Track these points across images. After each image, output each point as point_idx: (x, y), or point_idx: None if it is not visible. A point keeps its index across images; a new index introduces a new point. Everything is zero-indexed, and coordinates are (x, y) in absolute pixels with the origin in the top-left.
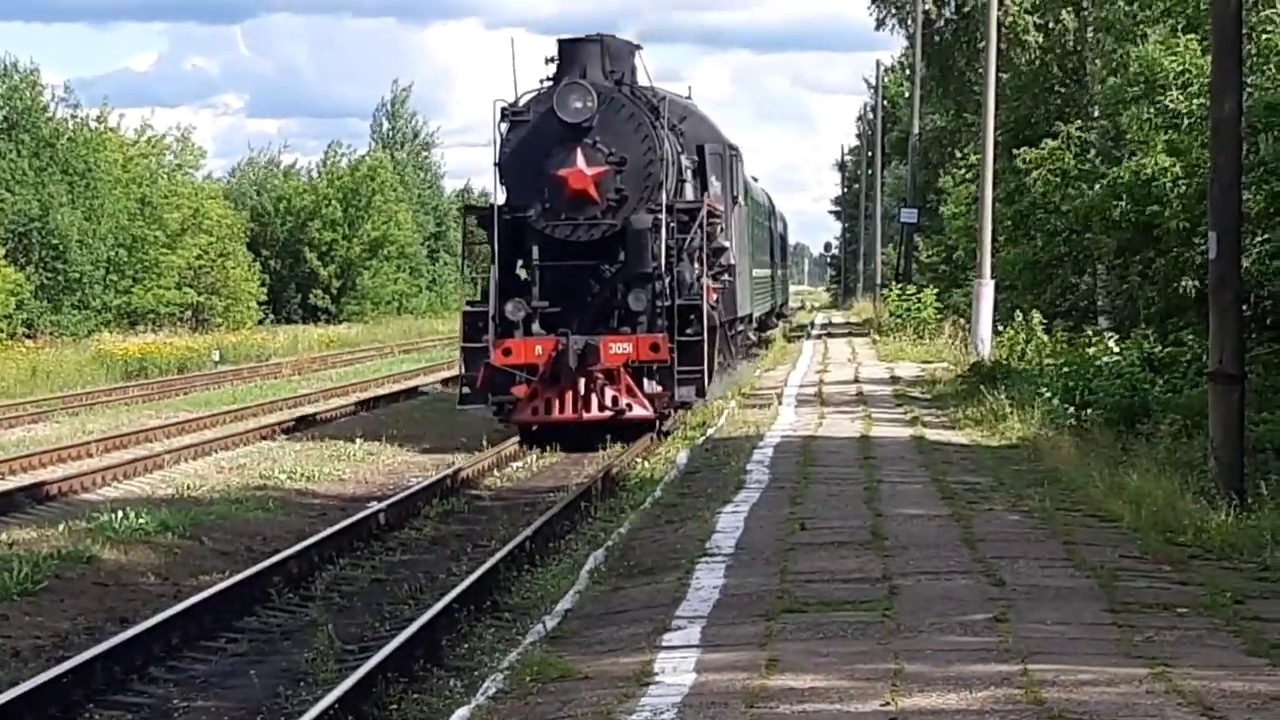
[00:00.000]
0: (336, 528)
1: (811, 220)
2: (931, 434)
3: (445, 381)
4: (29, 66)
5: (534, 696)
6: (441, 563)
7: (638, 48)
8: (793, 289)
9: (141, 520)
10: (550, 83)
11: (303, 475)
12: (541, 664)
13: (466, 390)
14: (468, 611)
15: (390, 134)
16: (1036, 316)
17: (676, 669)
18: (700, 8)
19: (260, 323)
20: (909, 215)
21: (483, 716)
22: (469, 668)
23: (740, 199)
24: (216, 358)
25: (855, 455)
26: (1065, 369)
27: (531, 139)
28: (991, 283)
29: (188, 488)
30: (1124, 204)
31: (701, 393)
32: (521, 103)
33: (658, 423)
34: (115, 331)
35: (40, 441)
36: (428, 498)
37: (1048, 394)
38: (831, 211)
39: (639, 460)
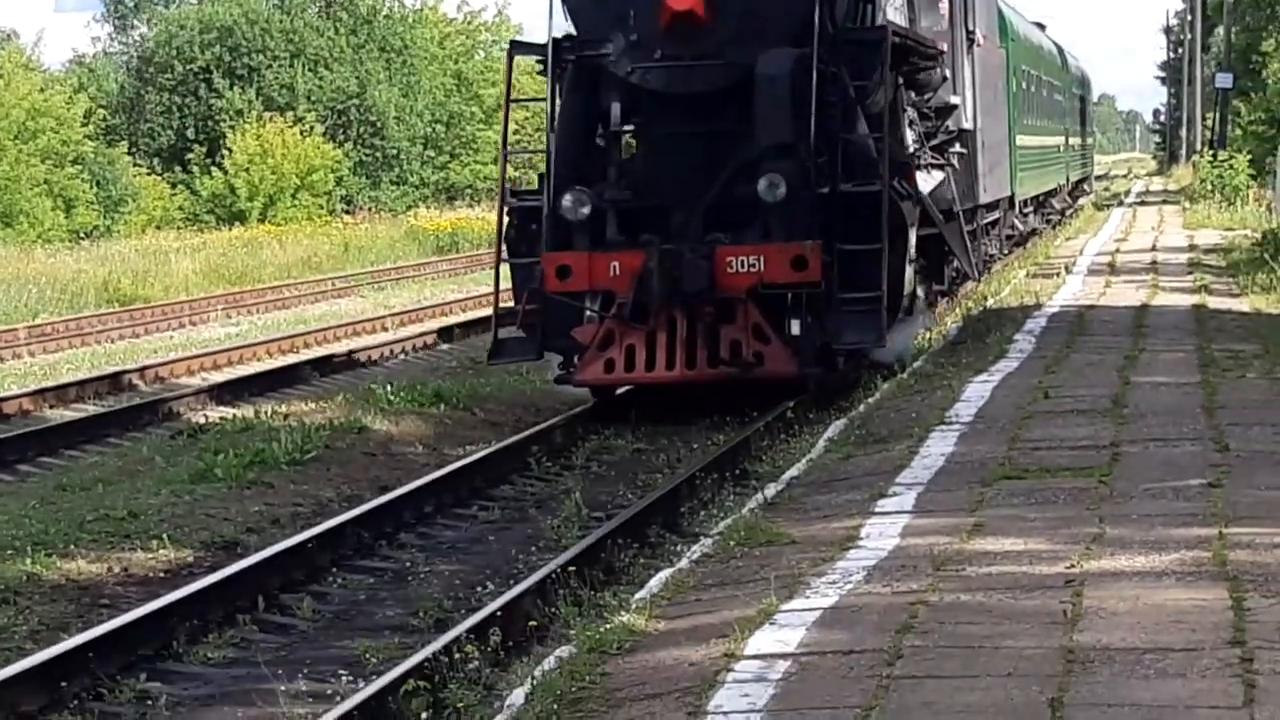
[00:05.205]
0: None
1: (1145, 87)
2: (1214, 302)
3: None
4: None
5: (736, 560)
6: (703, 433)
7: None
8: (1121, 156)
9: (416, 390)
10: None
11: None
12: (751, 529)
13: (506, 333)
14: (713, 480)
15: None
16: None
17: (882, 534)
18: None
19: None
20: (1224, 80)
21: (680, 579)
22: (702, 534)
23: (979, 36)
24: None
25: (1129, 324)
26: None
27: None
28: None
29: (473, 360)
30: None
31: (880, 337)
32: None
33: (808, 384)
34: (432, 207)
35: (341, 315)
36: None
37: None
38: (1158, 77)
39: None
